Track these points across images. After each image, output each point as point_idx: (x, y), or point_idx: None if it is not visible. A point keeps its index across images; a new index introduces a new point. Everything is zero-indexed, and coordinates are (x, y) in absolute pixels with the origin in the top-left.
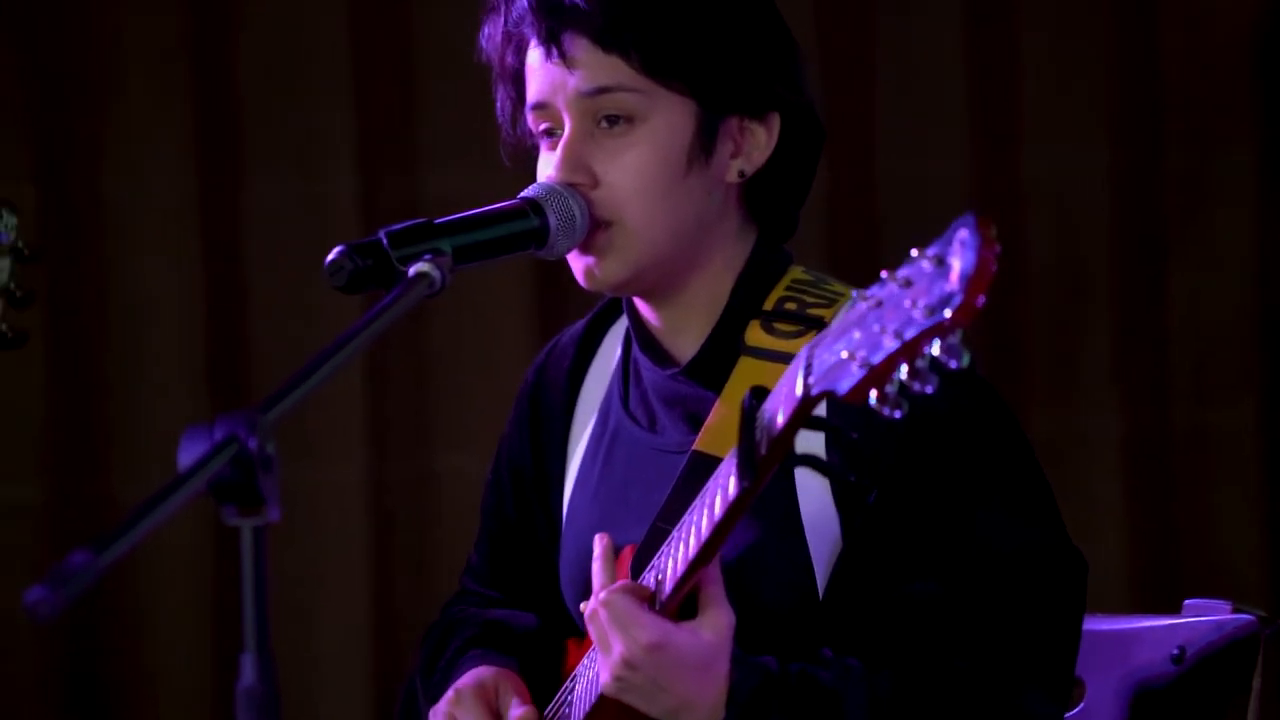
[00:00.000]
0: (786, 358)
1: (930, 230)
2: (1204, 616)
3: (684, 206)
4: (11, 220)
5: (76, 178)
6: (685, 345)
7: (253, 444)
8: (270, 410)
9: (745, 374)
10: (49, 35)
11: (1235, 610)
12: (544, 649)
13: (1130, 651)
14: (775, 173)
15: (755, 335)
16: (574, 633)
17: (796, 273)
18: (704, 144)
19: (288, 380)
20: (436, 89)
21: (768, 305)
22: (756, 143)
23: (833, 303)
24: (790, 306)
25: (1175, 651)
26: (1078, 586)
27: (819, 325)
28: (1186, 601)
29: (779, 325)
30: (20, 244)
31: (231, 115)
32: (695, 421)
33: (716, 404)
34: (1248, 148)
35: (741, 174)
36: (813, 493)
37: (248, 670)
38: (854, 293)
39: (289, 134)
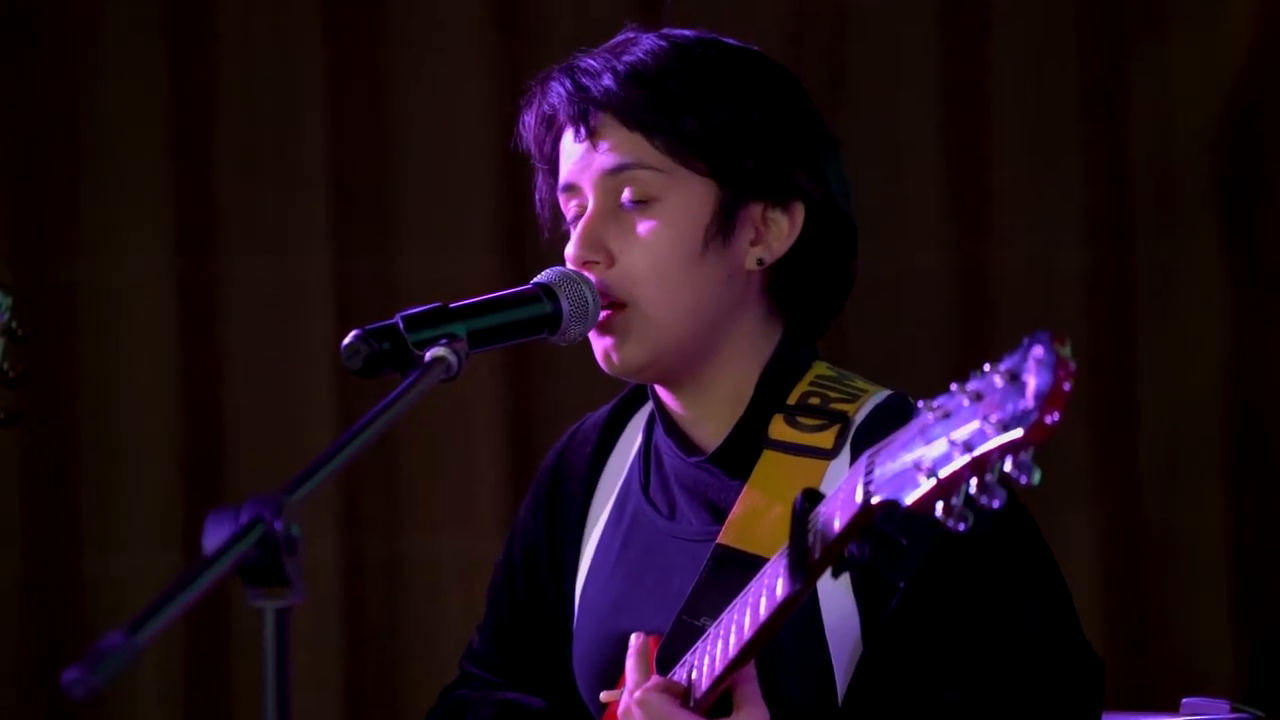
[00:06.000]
0: (810, 451)
1: (892, 326)
2: (1202, 715)
3: (699, 289)
4: (5, 301)
5: (51, 258)
6: (708, 434)
7: (279, 526)
8: (295, 492)
9: (768, 467)
10: (22, 112)
11: (1234, 709)
12: None
13: None
14: (800, 265)
15: (779, 429)
16: (581, 718)
17: (821, 368)
18: (722, 227)
19: (312, 463)
20: (412, 171)
21: (791, 399)
22: (778, 232)
23: (856, 399)
24: (814, 401)
25: None
26: (1096, 692)
27: (842, 420)
28: (1184, 700)
29: (802, 419)
30: (14, 325)
31: (208, 195)
32: (715, 511)
33: (741, 496)
34: (1215, 239)
35: (761, 262)
36: (834, 590)
37: None
38: (919, 403)
39: (265, 214)
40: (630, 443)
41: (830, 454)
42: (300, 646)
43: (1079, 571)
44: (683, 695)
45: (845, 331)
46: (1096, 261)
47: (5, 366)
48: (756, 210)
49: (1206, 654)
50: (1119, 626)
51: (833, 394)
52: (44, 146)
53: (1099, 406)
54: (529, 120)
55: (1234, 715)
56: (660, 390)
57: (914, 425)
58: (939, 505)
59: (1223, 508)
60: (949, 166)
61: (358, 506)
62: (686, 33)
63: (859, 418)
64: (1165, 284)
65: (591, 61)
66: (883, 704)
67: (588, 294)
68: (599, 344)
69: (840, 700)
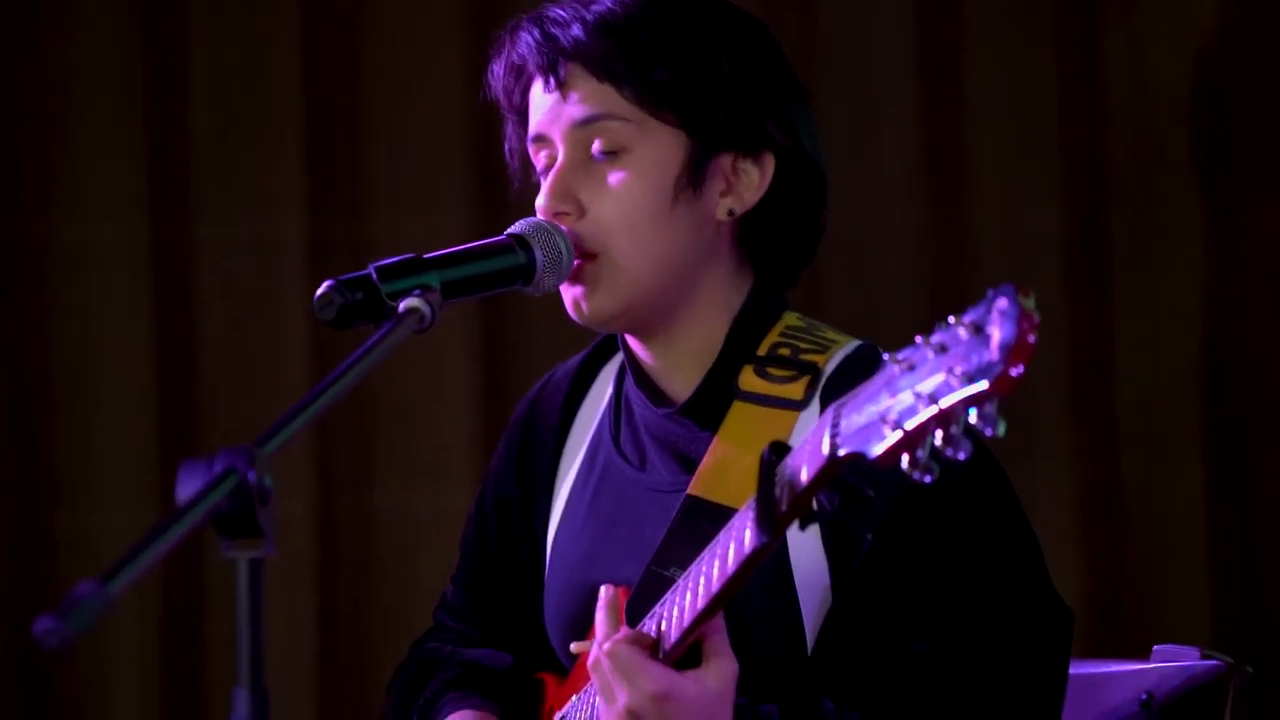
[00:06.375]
0: (779, 402)
1: (868, 281)
2: (1172, 662)
3: (670, 240)
4: None
5: (25, 216)
6: (679, 385)
7: (252, 477)
8: (268, 444)
9: (738, 418)
10: None
11: (1204, 656)
12: (521, 688)
13: (1099, 697)
14: (770, 216)
15: (748, 380)
16: (552, 666)
17: (791, 319)
18: (693, 177)
19: (284, 414)
20: (385, 133)
21: (761, 350)
22: (749, 182)
23: (826, 349)
24: (784, 352)
25: (1144, 697)
26: (1064, 641)
27: (812, 370)
28: (1155, 647)
29: (772, 370)
30: None
31: (181, 158)
32: (686, 462)
33: (711, 447)
34: (1192, 203)
35: (731, 213)
36: (803, 541)
37: (240, 706)
38: (884, 355)
39: (239, 177)
40: (601, 393)
41: (800, 405)
42: (273, 603)
43: (1054, 528)
44: (652, 647)
45: (821, 292)
46: (1072, 225)
47: None
48: (727, 161)
49: (1181, 607)
50: (1095, 580)
51: (803, 344)
52: (16, 107)
53: (1076, 367)
54: (498, 70)
55: (1203, 661)
56: (631, 340)
57: (880, 377)
58: (905, 457)
59: (1198, 466)
60: (924, 124)
61: (329, 462)
62: None
63: (829, 368)
64: (1141, 248)
65: (560, 11)
66: (851, 654)
67: (561, 245)
68: (569, 293)
69: (809, 651)
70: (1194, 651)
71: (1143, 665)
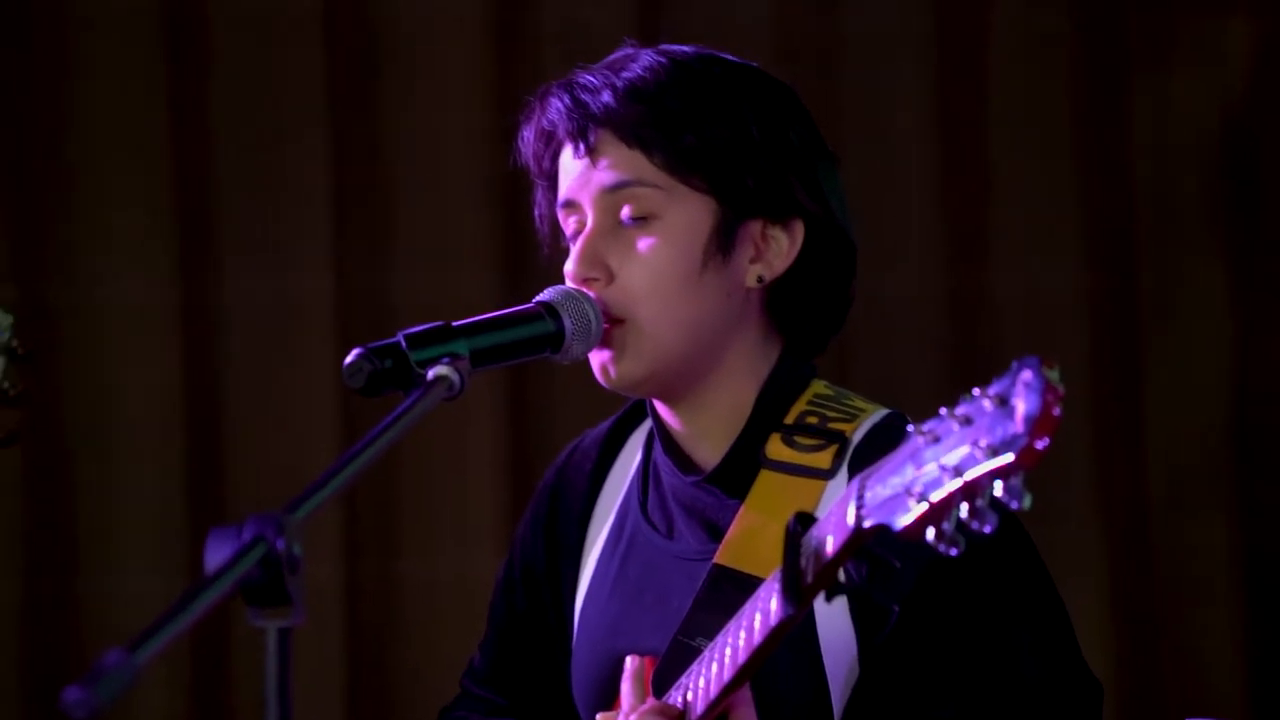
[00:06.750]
0: (807, 471)
1: (893, 349)
2: None
3: (698, 306)
4: (6, 320)
5: (50, 278)
6: (706, 452)
7: (281, 545)
8: (297, 511)
9: (766, 487)
10: (18, 131)
11: None
12: None
13: None
14: (800, 283)
15: (775, 448)
16: None
17: (819, 387)
18: (722, 244)
19: (313, 482)
20: (410, 188)
21: (789, 419)
22: (778, 249)
23: (854, 418)
24: (811, 420)
25: None
26: (1093, 713)
27: (840, 440)
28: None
29: (800, 439)
30: (14, 344)
31: (206, 214)
32: (713, 530)
33: (738, 516)
34: (1218, 258)
35: (760, 279)
36: (830, 612)
37: None
38: (909, 427)
39: (264, 234)
40: (629, 460)
41: (828, 474)
42: (299, 670)
43: (1085, 590)
44: (678, 718)
45: (843, 356)
46: (1098, 282)
47: (5, 385)
48: (756, 227)
49: (1215, 674)
50: (1125, 647)
51: (831, 413)
52: (40, 165)
53: (1104, 426)
54: (528, 135)
55: None
56: (659, 406)
57: (905, 449)
58: (930, 530)
59: (1230, 525)
60: (945, 189)
61: (355, 529)
62: (685, 49)
63: (856, 438)
64: (1168, 305)
65: (590, 78)
66: None
67: (590, 312)
68: (597, 358)
69: None
70: None
71: None
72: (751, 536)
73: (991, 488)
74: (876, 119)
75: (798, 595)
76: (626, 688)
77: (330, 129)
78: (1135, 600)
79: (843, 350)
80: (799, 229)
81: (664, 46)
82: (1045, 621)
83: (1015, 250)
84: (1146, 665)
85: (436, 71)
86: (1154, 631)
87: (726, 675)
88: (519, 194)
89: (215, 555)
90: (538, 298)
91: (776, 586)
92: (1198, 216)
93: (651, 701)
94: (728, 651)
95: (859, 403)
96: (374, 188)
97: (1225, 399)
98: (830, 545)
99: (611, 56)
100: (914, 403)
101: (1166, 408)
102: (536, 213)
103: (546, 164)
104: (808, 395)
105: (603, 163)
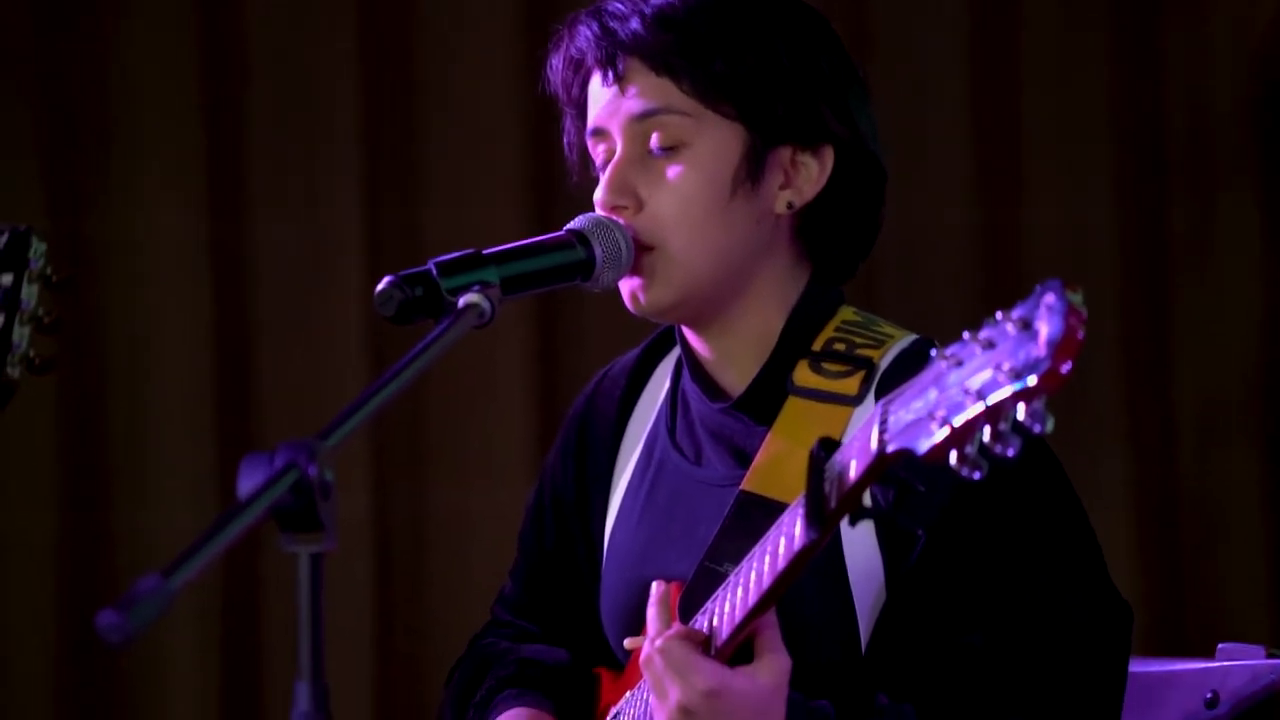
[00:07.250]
0: (834, 398)
1: (927, 281)
2: (1238, 661)
3: (728, 233)
4: (40, 247)
5: (84, 210)
6: (734, 379)
7: (313, 471)
8: (329, 438)
9: (793, 413)
10: (60, 74)
11: (1269, 654)
12: (577, 684)
13: (1163, 696)
14: (829, 209)
15: (803, 375)
16: (607, 661)
17: (847, 313)
18: (751, 171)
19: (344, 409)
20: (439, 126)
21: (816, 345)
22: (808, 175)
23: (881, 344)
24: (839, 347)
25: (1209, 695)
26: (1123, 637)
27: (867, 366)
28: (1220, 645)
29: (827, 365)
30: (49, 271)
31: (238, 150)
32: (741, 456)
33: (765, 442)
34: (1250, 198)
35: (790, 206)
36: (857, 538)
37: (302, 698)
38: (932, 351)
39: (296, 169)
40: (658, 387)
41: (855, 400)
42: (330, 599)
43: (1114, 523)
44: (704, 643)
45: (875, 289)
46: (1131, 220)
47: (40, 313)
48: (786, 154)
49: (1241, 604)
50: (1154, 578)
51: (858, 339)
52: (78, 100)
53: (1133, 361)
54: (556, 64)
55: (1270, 660)
56: (687, 332)
57: (928, 373)
58: (953, 453)
59: (1258, 461)
60: (977, 124)
61: (384, 459)
62: None
63: (884, 363)
64: (1200, 241)
65: (619, 5)
66: (905, 651)
67: (621, 240)
68: (627, 285)
69: (863, 648)
70: (1259, 650)
71: (1206, 664)
72: (778, 463)
73: (1014, 411)
74: (909, 52)
75: (821, 520)
76: (653, 613)
77: (360, 65)
78: (1163, 531)
79: (872, 280)
80: (829, 155)
81: None
82: (1074, 545)
83: (1049, 186)
84: (1174, 594)
85: (467, 5)
86: (1182, 562)
87: (752, 600)
88: (548, 126)
89: (248, 481)
90: (568, 226)
91: (800, 512)
92: (1229, 153)
93: (678, 626)
94: (753, 576)
95: (887, 329)
96: (404, 122)
97: (1255, 334)
98: (854, 470)
99: None
100: (941, 335)
101: (1196, 342)
102: (565, 141)
103: (575, 92)
104: (836, 321)
105: (631, 90)
